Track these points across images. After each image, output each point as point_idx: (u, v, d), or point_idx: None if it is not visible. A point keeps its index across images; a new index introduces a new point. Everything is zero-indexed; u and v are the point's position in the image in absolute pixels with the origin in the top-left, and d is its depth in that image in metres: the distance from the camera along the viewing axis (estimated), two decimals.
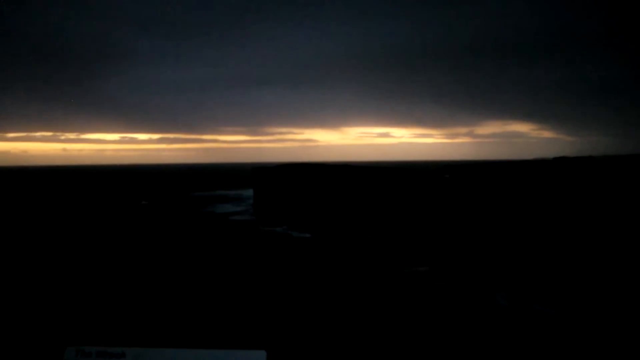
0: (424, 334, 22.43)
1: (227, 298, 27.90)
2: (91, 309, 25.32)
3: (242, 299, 27.66)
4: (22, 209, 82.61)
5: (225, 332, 21.95)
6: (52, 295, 27.95)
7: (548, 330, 23.13)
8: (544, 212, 51.51)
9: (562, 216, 49.55)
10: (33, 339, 19.59)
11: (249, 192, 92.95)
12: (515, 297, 28.60)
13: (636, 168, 62.23)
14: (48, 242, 47.87)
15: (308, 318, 24.33)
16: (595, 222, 46.62)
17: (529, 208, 53.44)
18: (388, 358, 19.74)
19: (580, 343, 21.56)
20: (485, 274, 34.29)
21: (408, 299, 28.56)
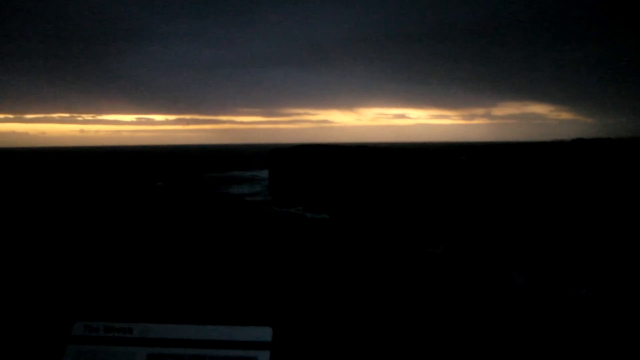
0: (435, 313, 22.21)
1: (240, 276, 27.87)
2: (100, 285, 25.43)
3: (254, 278, 27.62)
4: (37, 190, 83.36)
5: (234, 310, 21.92)
6: (62, 273, 28.11)
7: (562, 309, 22.80)
8: (561, 194, 50.81)
9: (580, 199, 48.84)
10: (42, 314, 19.72)
11: (265, 174, 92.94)
12: (533, 277, 28.27)
13: None
14: (62, 222, 48.22)
15: (319, 296, 24.20)
16: (613, 205, 45.91)
17: (545, 190, 52.75)
18: (402, 337, 19.56)
19: (600, 324, 21.22)
20: (502, 255, 33.93)
21: (423, 278, 28.32)
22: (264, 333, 3.22)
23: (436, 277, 28.76)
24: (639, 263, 30.66)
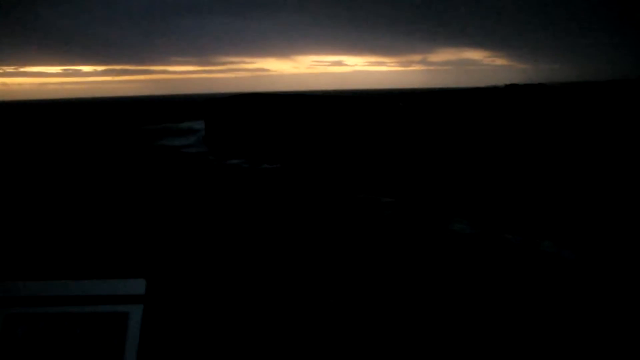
0: (374, 258, 22.53)
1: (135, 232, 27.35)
2: None
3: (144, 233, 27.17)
4: None
5: (108, 265, 21.52)
6: None
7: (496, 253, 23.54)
8: (496, 140, 52.08)
9: (514, 144, 50.22)
10: None
11: (201, 124, 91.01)
12: (476, 224, 29.01)
13: (581, 94, 63.36)
14: None
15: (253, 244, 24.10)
16: (545, 150, 47.43)
17: (481, 136, 53.92)
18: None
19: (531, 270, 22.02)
20: (443, 201, 34.63)
21: (364, 223, 28.63)
22: (137, 286, 2.91)
23: (376, 222, 29.10)
24: (575, 206, 31.91)
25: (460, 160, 48.74)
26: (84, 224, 29.36)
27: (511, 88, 71.27)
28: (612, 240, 25.05)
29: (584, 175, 38.28)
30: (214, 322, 16.21)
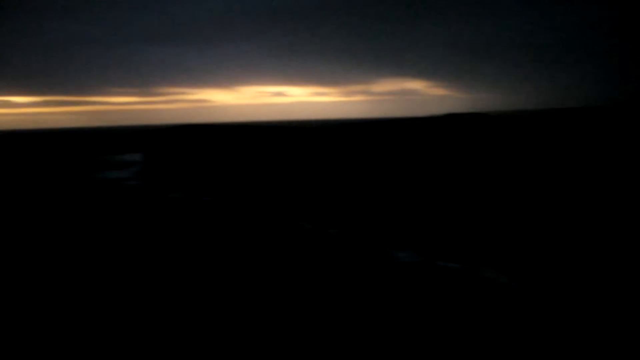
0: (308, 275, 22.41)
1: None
2: None
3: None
4: None
5: None
6: None
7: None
8: (435, 166, 53.13)
9: (452, 169, 51.35)
10: None
11: (140, 156, 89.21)
12: (418, 251, 29.28)
13: (519, 123, 65.67)
14: None
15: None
16: (482, 174, 48.64)
17: (421, 163, 54.90)
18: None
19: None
20: (384, 229, 34.91)
21: (287, 246, 28.48)
22: None
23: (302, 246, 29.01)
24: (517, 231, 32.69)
25: (399, 186, 49.41)
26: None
27: (449, 117, 73.16)
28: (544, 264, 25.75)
29: (521, 200, 39.39)
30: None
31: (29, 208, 48.97)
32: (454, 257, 28.00)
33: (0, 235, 36.85)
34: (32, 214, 45.43)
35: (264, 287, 23.76)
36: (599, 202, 34.47)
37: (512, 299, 21.57)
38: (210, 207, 47.40)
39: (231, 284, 24.12)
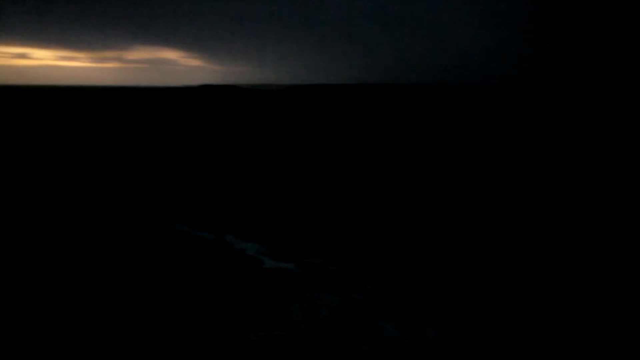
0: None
1: None
2: None
3: None
4: None
5: None
6: None
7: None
8: (190, 135, 53.47)
9: (208, 139, 52.19)
10: None
11: None
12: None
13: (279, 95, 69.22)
14: None
15: None
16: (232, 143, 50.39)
17: (177, 132, 54.78)
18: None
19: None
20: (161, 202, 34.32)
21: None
22: None
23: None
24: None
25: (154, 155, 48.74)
26: None
27: (205, 88, 73.97)
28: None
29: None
30: None
31: None
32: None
33: None
34: None
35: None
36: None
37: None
38: None
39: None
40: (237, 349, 15.23)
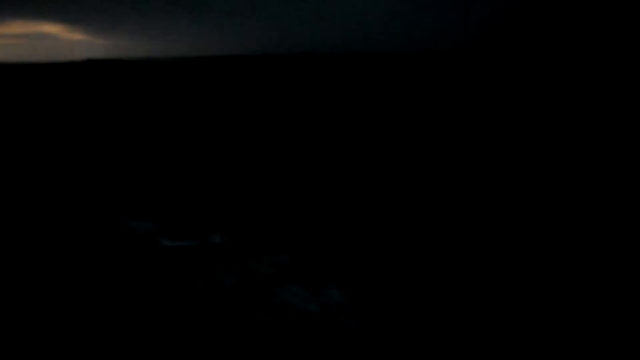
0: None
1: None
2: None
3: None
4: None
5: None
6: None
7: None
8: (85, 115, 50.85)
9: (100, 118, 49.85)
10: None
11: None
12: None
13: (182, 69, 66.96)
14: None
15: None
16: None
17: (64, 112, 51.96)
18: None
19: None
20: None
21: None
22: None
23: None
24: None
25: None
26: None
27: (89, 63, 70.57)
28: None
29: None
30: None
31: None
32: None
33: None
34: None
35: None
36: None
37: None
38: None
39: None
40: (143, 327, 14.69)
